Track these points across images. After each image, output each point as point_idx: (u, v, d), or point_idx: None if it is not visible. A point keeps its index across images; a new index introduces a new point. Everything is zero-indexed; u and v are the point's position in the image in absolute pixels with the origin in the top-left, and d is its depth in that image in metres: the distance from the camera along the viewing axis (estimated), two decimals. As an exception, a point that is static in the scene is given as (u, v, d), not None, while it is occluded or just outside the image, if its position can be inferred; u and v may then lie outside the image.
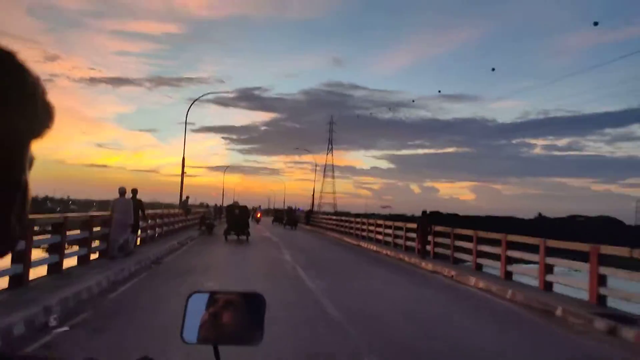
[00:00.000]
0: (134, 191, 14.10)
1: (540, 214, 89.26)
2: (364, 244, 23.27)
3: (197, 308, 1.12)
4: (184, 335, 1.09)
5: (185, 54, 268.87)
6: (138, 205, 13.74)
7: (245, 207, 25.66)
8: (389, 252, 19.31)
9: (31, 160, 0.46)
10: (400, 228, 20.60)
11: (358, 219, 29.30)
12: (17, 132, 0.43)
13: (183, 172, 30.70)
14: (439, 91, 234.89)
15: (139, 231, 15.30)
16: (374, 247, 21.69)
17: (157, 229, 19.57)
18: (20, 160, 0.45)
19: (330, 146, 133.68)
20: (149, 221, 17.29)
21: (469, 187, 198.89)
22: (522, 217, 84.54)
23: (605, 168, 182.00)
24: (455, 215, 75.89)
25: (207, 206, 37.63)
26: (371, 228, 25.00)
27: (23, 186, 0.45)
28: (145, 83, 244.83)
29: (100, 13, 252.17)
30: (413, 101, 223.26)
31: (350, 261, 17.06)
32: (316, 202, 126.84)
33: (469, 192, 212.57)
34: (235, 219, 23.17)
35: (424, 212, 17.78)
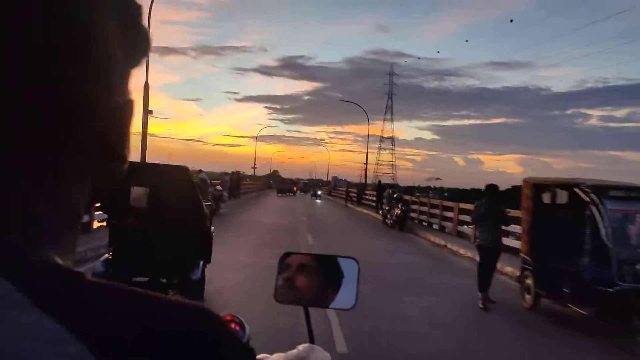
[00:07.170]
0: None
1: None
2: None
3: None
4: (275, 294, 1.11)
5: (229, 23, 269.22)
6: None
7: (192, 182, 5.67)
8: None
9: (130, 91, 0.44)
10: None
11: None
12: (122, 56, 0.40)
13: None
14: (467, 40, 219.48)
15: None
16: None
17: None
18: (126, 85, 0.42)
19: (389, 102, 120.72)
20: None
21: (516, 159, 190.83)
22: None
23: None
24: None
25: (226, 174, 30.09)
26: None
27: (130, 112, 0.43)
28: (191, 52, 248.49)
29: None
30: (438, 52, 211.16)
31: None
32: (368, 174, 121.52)
33: (517, 165, 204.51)
34: (136, 235, 5.21)
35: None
